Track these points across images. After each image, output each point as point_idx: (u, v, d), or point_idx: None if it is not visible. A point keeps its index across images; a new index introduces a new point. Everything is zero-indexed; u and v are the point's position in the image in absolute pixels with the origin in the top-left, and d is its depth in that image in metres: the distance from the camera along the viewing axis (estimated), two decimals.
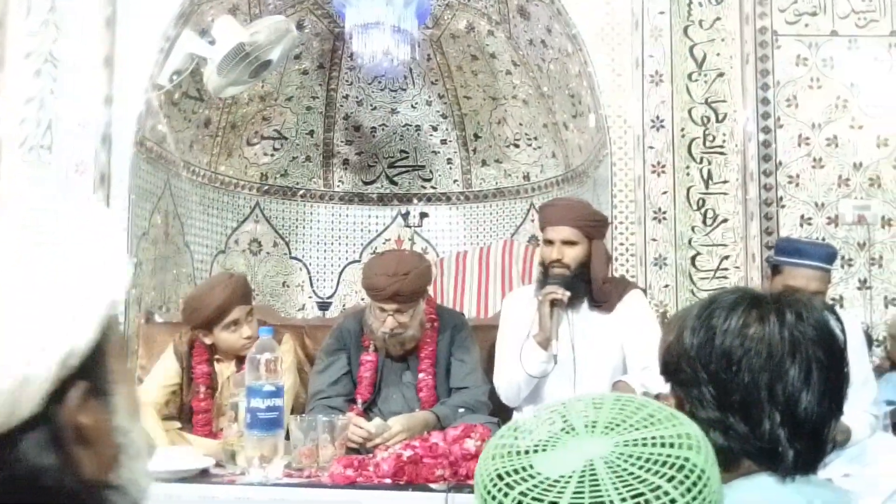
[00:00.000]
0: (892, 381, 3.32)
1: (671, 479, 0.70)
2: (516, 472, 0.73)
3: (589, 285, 2.69)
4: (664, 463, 0.71)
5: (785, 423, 0.97)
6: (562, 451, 0.74)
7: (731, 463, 0.99)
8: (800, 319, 1.00)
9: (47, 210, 0.60)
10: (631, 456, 0.72)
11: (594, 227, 2.72)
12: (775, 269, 2.74)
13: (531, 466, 0.73)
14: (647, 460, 0.71)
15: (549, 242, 2.71)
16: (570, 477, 0.70)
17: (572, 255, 2.67)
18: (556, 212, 2.77)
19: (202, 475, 2.22)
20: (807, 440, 0.98)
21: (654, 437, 0.73)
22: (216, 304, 2.67)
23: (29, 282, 0.56)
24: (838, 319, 1.04)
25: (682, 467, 0.71)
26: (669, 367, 1.07)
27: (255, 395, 2.14)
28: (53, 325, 0.55)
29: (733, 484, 0.97)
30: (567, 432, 0.76)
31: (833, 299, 3.58)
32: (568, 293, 2.61)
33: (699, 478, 0.71)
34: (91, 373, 0.59)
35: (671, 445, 0.73)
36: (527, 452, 0.75)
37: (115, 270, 0.61)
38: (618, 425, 0.75)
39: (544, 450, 0.75)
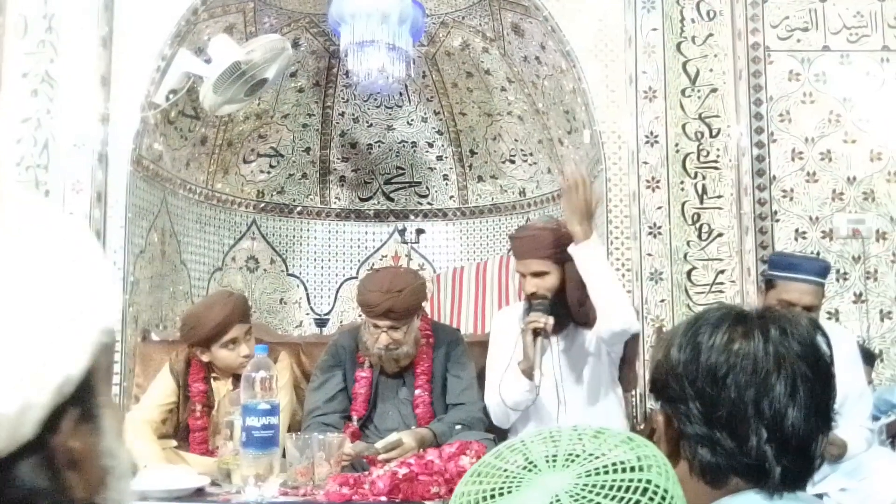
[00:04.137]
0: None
1: (637, 503, 0.71)
2: None
3: (568, 309, 2.63)
4: (627, 488, 0.72)
5: (772, 438, 0.97)
6: (526, 489, 0.75)
7: (719, 480, 1.00)
8: (784, 335, 1.01)
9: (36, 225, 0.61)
10: (595, 486, 0.73)
11: (562, 252, 2.59)
12: (769, 283, 2.74)
13: None
14: (612, 487, 0.72)
15: (523, 275, 2.67)
16: None
17: (546, 284, 2.60)
18: (522, 245, 2.70)
19: (198, 494, 2.22)
20: (794, 456, 0.99)
21: (614, 464, 0.75)
22: (215, 322, 2.67)
23: (23, 306, 0.56)
24: (824, 335, 1.04)
25: (645, 490, 0.72)
26: (657, 385, 1.08)
27: (250, 414, 2.14)
28: (51, 352, 0.56)
29: (721, 502, 0.98)
30: (529, 470, 0.77)
31: (829, 313, 3.59)
32: (551, 320, 2.53)
33: (663, 498, 0.72)
34: (81, 398, 0.60)
35: (632, 469, 0.74)
36: (493, 497, 0.75)
37: (108, 297, 0.61)
38: (577, 456, 0.76)
39: (509, 491, 0.76)
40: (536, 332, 2.53)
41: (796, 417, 0.98)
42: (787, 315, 1.04)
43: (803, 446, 0.99)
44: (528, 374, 2.54)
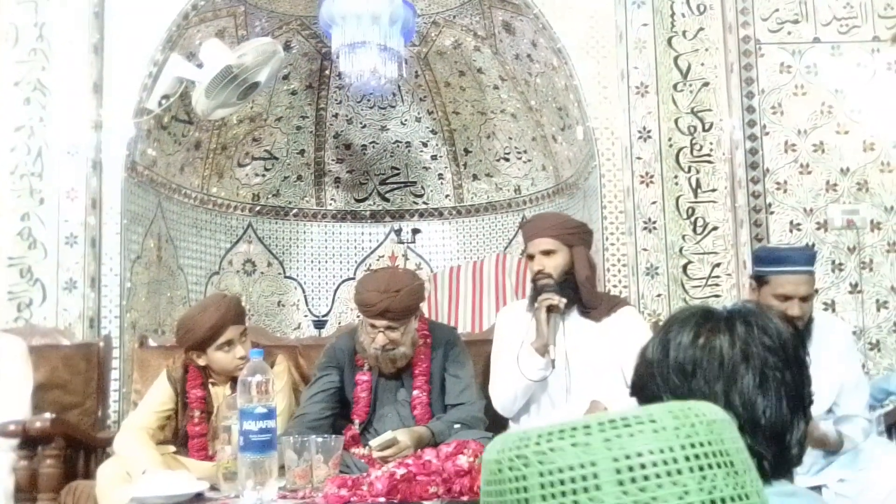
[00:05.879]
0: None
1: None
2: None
3: (577, 291, 2.72)
4: None
5: (745, 429, 0.99)
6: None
7: None
8: (749, 328, 1.04)
9: None
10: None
11: (571, 234, 2.76)
12: (760, 280, 2.70)
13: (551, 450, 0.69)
14: None
15: (531, 257, 2.79)
16: None
17: (553, 263, 2.72)
18: (532, 226, 2.86)
19: (197, 499, 2.22)
20: (769, 444, 1.00)
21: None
22: (210, 325, 2.66)
23: None
24: (792, 325, 1.07)
25: None
26: (637, 387, 1.11)
27: (247, 418, 2.14)
28: None
29: None
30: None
31: (825, 304, 3.59)
32: (564, 299, 2.64)
33: None
34: None
35: None
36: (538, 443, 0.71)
37: None
38: None
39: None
40: (550, 309, 2.62)
41: (767, 406, 1.00)
42: (753, 310, 1.08)
43: (778, 435, 1.01)
44: (542, 350, 2.62)
